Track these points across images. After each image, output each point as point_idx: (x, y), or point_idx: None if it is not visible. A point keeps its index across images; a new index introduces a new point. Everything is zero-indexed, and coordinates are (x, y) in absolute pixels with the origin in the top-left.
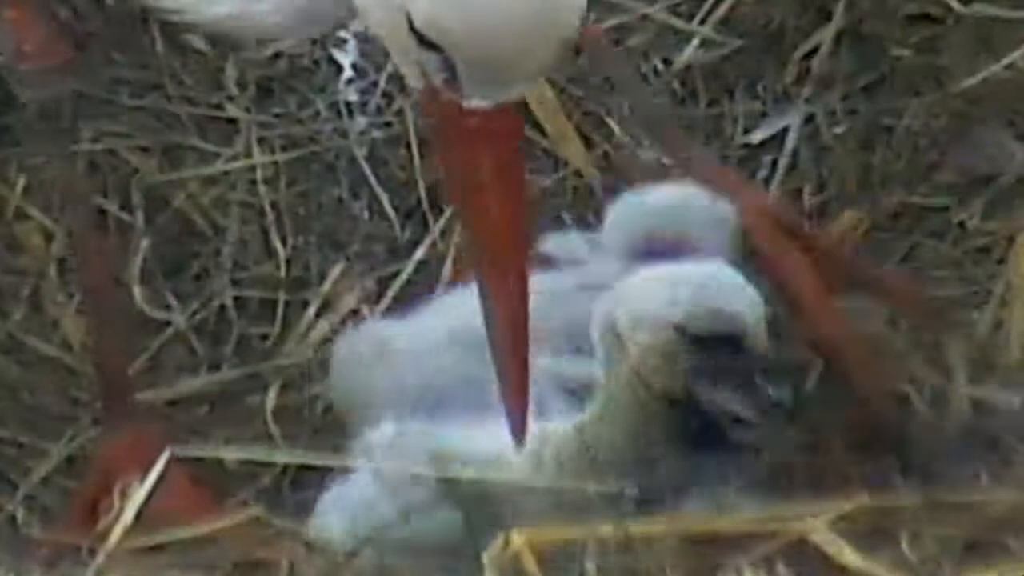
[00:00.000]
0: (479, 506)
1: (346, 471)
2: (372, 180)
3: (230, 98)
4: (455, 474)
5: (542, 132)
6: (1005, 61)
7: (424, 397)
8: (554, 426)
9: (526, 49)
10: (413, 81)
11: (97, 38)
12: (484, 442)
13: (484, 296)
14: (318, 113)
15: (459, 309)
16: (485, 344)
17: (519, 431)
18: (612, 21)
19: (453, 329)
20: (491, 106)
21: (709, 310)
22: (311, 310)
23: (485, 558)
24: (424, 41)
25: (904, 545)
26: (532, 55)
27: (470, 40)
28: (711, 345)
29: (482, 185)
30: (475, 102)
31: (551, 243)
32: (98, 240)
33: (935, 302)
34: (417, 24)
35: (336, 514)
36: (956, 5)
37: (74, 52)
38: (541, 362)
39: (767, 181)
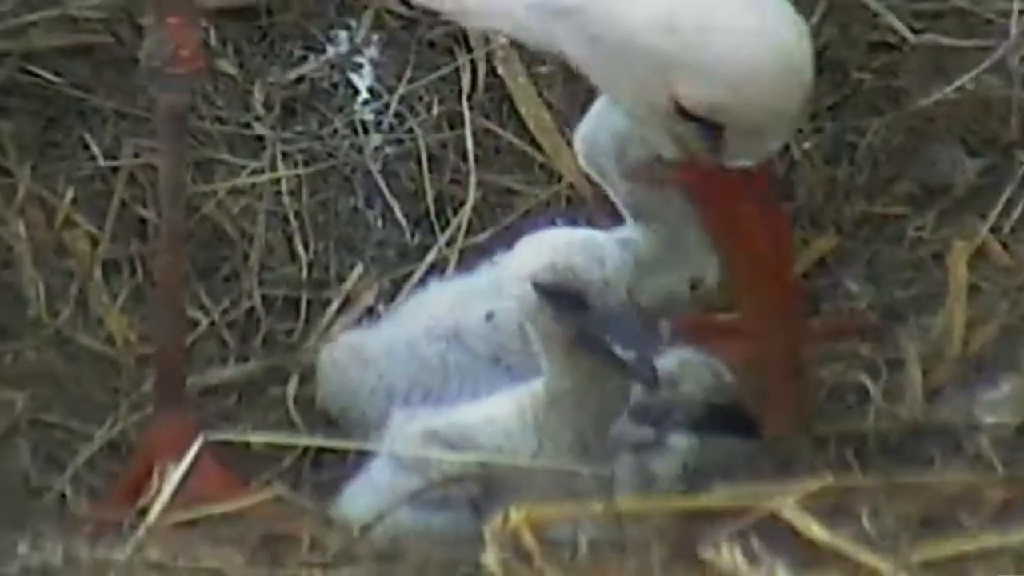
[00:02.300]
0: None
1: (369, 456)
2: (385, 191)
3: (257, 118)
4: (460, 457)
5: (539, 148)
6: (956, 84)
7: (414, 389)
8: (533, 386)
9: (790, 115)
10: (667, 152)
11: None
12: (477, 410)
13: (759, 334)
14: (336, 131)
15: (429, 309)
16: (462, 335)
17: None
18: None
19: (429, 327)
20: (750, 164)
21: (553, 265)
22: (332, 308)
23: (487, 533)
24: (690, 116)
25: (865, 521)
26: (793, 119)
27: (745, 114)
28: (555, 299)
29: (752, 233)
30: (735, 163)
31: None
32: (185, 239)
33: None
34: (688, 105)
35: (360, 496)
36: (909, 35)
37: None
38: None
39: None
